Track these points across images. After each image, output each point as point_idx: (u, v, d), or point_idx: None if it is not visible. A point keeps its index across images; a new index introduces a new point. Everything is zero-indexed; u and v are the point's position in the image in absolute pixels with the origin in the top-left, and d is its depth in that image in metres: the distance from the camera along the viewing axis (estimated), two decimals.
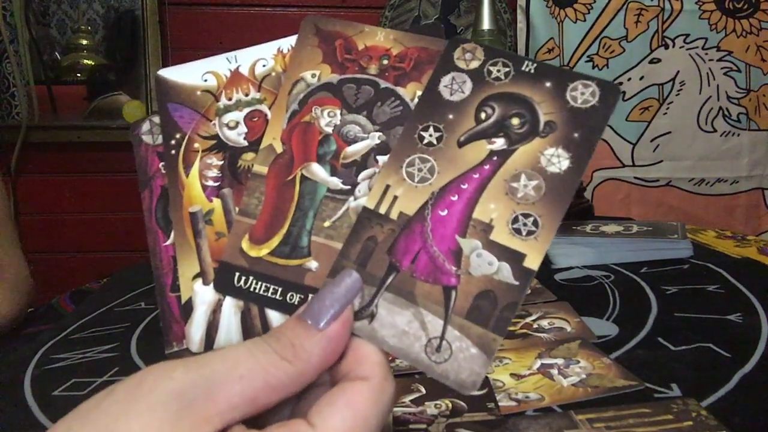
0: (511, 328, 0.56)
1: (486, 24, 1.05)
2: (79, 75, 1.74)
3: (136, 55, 1.70)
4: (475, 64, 0.31)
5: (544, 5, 1.72)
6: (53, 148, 1.69)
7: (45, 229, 1.69)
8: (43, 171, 1.69)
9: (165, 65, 1.70)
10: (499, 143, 0.29)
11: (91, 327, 0.67)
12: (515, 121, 0.29)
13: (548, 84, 0.29)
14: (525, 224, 0.28)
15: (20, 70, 1.61)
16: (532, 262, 0.27)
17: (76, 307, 0.85)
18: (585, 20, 1.74)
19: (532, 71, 0.30)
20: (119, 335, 0.63)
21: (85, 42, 1.74)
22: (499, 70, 0.30)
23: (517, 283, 0.27)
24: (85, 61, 1.74)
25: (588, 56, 1.75)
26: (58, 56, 1.74)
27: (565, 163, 0.28)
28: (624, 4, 1.72)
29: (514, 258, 0.27)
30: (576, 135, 0.28)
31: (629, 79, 1.75)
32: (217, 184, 0.33)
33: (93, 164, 1.72)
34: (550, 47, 1.75)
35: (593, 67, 1.74)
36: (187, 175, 0.34)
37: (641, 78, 1.75)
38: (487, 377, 0.45)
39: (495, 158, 0.29)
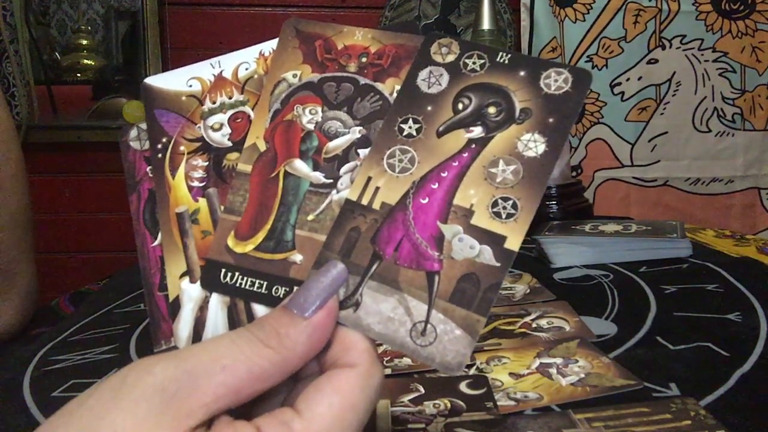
0: (510, 328, 0.56)
1: (486, 24, 1.05)
2: (79, 75, 1.74)
3: (136, 56, 1.71)
4: (451, 58, 0.32)
5: (547, 4, 1.72)
6: (53, 148, 1.69)
7: (45, 229, 1.69)
8: (43, 171, 1.69)
9: (165, 65, 1.70)
10: (477, 131, 0.30)
11: (90, 328, 0.67)
12: (492, 109, 0.30)
13: (522, 73, 0.30)
14: (504, 207, 0.29)
15: (20, 70, 1.61)
16: (513, 244, 0.28)
17: (75, 308, 0.85)
18: (584, 20, 1.74)
19: (507, 62, 0.31)
20: (118, 336, 0.63)
21: (85, 42, 1.74)
22: (474, 62, 0.31)
23: (498, 264, 0.28)
24: (85, 61, 1.74)
25: (588, 56, 1.75)
26: (58, 56, 1.74)
27: (541, 147, 0.29)
28: (623, 5, 1.72)
29: (495, 240, 0.28)
30: (551, 120, 0.29)
31: (628, 80, 1.75)
32: (202, 184, 0.34)
33: (93, 164, 1.72)
34: (554, 46, 1.75)
35: (593, 67, 1.74)
36: (174, 177, 0.34)
37: (639, 78, 1.75)
38: (485, 376, 0.45)
39: (473, 146, 0.30)
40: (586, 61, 1.75)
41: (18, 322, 0.77)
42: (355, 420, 0.24)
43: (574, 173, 1.74)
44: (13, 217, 0.76)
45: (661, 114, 1.76)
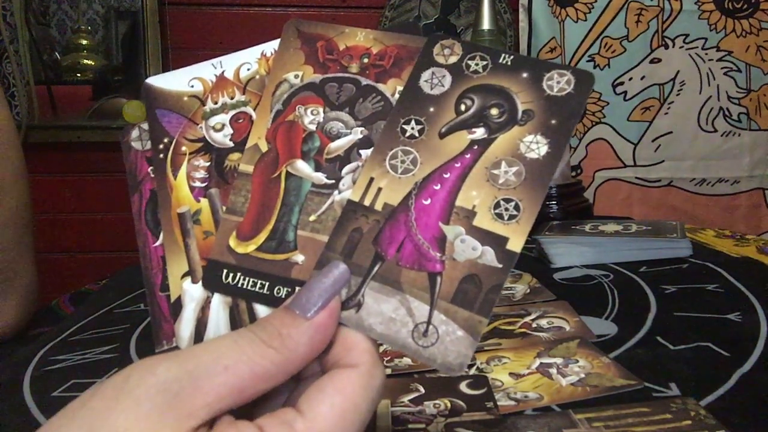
0: (510, 328, 0.56)
1: (486, 24, 1.05)
2: (79, 75, 1.74)
3: (136, 56, 1.71)
4: (453, 59, 0.32)
5: (546, 4, 1.72)
6: (53, 148, 1.69)
7: (45, 229, 1.69)
8: (43, 171, 1.69)
9: (165, 65, 1.70)
10: (480, 133, 0.30)
11: (90, 328, 0.67)
12: (494, 111, 0.30)
13: (525, 74, 0.30)
14: (507, 209, 0.29)
15: (20, 70, 1.61)
16: (515, 245, 0.28)
17: (75, 308, 0.85)
18: (586, 20, 1.74)
19: (509, 63, 0.31)
20: (119, 336, 0.63)
21: (85, 42, 1.74)
22: (477, 64, 0.31)
23: (500, 266, 0.28)
24: (85, 61, 1.74)
25: (589, 56, 1.75)
26: (58, 56, 1.74)
27: (543, 149, 0.29)
28: (624, 4, 1.72)
29: (497, 242, 0.28)
30: (553, 122, 0.29)
31: (630, 79, 1.75)
32: (204, 184, 0.34)
33: (93, 164, 1.73)
34: (552, 47, 1.74)
35: (594, 67, 1.74)
36: (175, 178, 0.34)
37: (642, 78, 1.74)
38: (485, 376, 0.45)
39: (476, 147, 0.30)
40: (587, 61, 1.75)
41: (18, 321, 0.77)
42: (357, 420, 0.24)
43: (573, 173, 1.74)
44: (13, 216, 0.76)
45: (665, 114, 1.75)
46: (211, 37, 1.72)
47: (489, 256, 0.28)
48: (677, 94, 1.75)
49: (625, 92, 1.75)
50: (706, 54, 1.73)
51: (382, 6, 1.77)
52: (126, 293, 0.79)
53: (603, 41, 1.74)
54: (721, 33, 1.72)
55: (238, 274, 0.31)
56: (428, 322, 0.28)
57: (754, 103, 1.75)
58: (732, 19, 1.72)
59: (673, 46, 1.73)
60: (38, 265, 0.82)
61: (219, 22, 1.74)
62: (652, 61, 1.74)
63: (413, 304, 0.28)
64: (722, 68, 1.73)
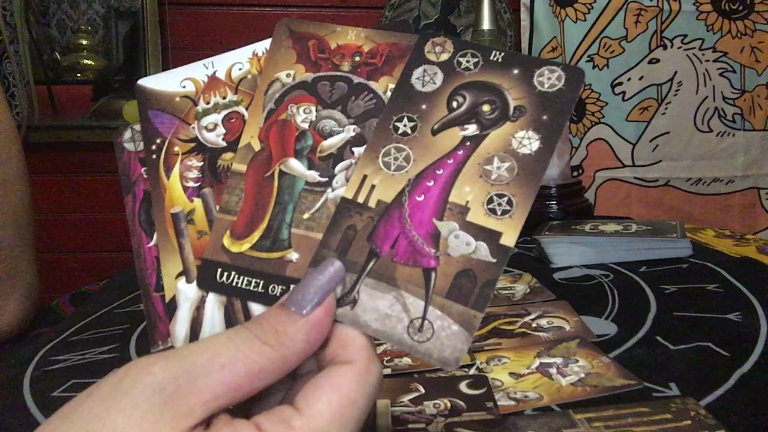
0: (510, 327, 0.56)
1: (486, 24, 1.06)
2: (79, 75, 1.74)
3: (136, 56, 1.71)
4: (445, 57, 0.32)
5: (547, 4, 1.72)
6: (53, 148, 1.69)
7: (45, 229, 1.69)
8: (42, 171, 1.69)
9: (165, 65, 1.70)
10: (472, 129, 0.30)
11: (90, 328, 0.67)
12: (486, 107, 0.30)
13: (516, 71, 0.31)
14: (500, 204, 0.29)
15: (20, 70, 1.61)
16: (509, 240, 0.28)
17: (75, 309, 0.85)
18: (585, 20, 1.74)
19: (500, 60, 0.31)
20: (119, 336, 0.63)
21: (85, 42, 1.74)
22: (468, 61, 0.32)
23: (494, 260, 0.28)
24: (85, 61, 1.74)
25: (588, 56, 1.75)
26: (58, 56, 1.74)
27: (535, 145, 0.29)
28: (624, 4, 1.72)
29: (491, 237, 0.28)
30: (545, 117, 0.29)
31: (629, 79, 1.75)
32: (197, 184, 0.34)
33: (93, 164, 1.72)
34: (554, 46, 1.74)
35: (593, 67, 1.74)
36: (168, 178, 0.35)
37: (641, 78, 1.75)
38: (485, 376, 0.45)
39: (468, 143, 0.30)
40: (586, 61, 1.75)
41: (20, 321, 0.77)
42: (355, 416, 0.24)
43: (575, 173, 1.74)
44: (15, 216, 0.76)
45: (663, 114, 1.75)
46: (211, 37, 1.72)
47: (483, 251, 0.28)
48: (674, 95, 1.75)
49: (624, 92, 1.75)
50: (703, 55, 1.73)
51: (382, 6, 1.77)
52: (126, 293, 0.79)
53: (602, 41, 1.74)
54: (717, 34, 1.73)
55: (233, 273, 0.31)
56: (423, 318, 0.28)
57: (747, 104, 1.75)
58: (728, 21, 1.72)
59: (672, 47, 1.73)
60: (38, 265, 0.82)
61: (219, 22, 1.74)
62: (650, 62, 1.74)
63: (408, 300, 0.28)
64: (718, 69, 1.74)
